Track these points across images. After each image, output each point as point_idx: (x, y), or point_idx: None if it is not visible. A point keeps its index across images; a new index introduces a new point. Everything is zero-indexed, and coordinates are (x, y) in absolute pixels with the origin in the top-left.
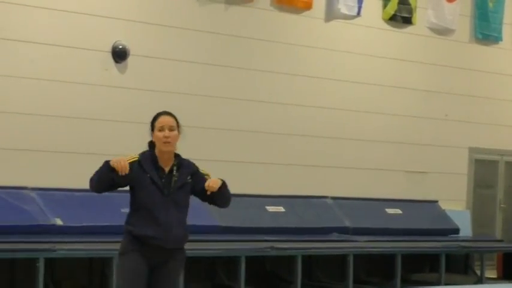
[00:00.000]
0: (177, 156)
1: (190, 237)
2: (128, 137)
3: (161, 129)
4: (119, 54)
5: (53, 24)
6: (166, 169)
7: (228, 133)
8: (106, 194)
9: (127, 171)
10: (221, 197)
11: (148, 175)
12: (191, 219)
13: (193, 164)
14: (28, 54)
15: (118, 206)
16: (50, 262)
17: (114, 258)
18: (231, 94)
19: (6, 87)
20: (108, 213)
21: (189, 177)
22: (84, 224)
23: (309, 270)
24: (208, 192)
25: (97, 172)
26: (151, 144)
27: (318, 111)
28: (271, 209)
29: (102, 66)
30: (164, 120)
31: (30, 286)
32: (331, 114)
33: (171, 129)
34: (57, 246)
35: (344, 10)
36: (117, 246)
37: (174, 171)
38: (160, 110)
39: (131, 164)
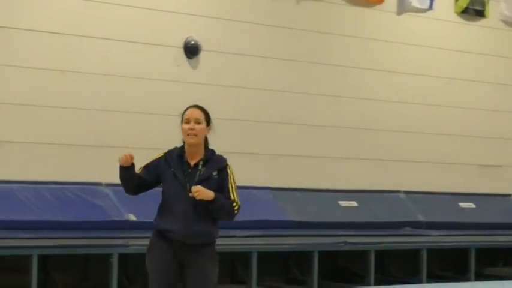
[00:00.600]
0: (209, 151)
1: (264, 232)
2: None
3: (187, 122)
4: (191, 50)
5: (126, 21)
6: (193, 163)
7: (300, 128)
8: None
9: (128, 163)
10: (215, 209)
11: (172, 169)
12: (264, 215)
13: (225, 160)
14: (103, 50)
15: None
16: (123, 258)
17: None
18: (303, 89)
19: (82, 84)
20: None
21: (215, 172)
22: None
23: (382, 265)
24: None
25: (119, 178)
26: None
27: (390, 106)
28: (343, 203)
29: (174, 62)
30: (191, 112)
31: (103, 282)
32: (403, 109)
33: (197, 121)
34: (131, 241)
35: (416, 3)
36: None
37: (200, 165)
38: (235, 105)
39: (157, 160)
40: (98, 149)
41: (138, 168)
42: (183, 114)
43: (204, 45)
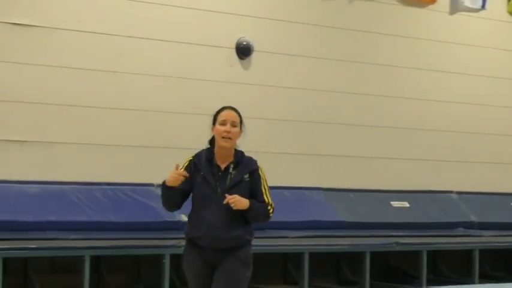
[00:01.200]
0: (238, 153)
1: (316, 233)
2: (254, 133)
3: (223, 123)
4: (243, 51)
5: (178, 22)
6: (223, 166)
7: (352, 128)
8: None
9: (179, 182)
10: (251, 217)
11: (201, 173)
12: (316, 215)
13: (256, 163)
14: (154, 52)
15: None
16: (175, 258)
17: None
18: (355, 89)
19: (134, 85)
20: None
21: (246, 176)
22: None
23: (434, 265)
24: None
25: (161, 196)
26: (212, 141)
27: (441, 106)
28: (395, 204)
29: (226, 63)
30: (228, 114)
31: (155, 283)
32: (455, 108)
33: (233, 124)
34: (183, 242)
35: (468, 3)
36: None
37: (231, 168)
38: (287, 106)
39: (187, 167)
40: (150, 150)
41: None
42: (216, 115)
43: (256, 46)
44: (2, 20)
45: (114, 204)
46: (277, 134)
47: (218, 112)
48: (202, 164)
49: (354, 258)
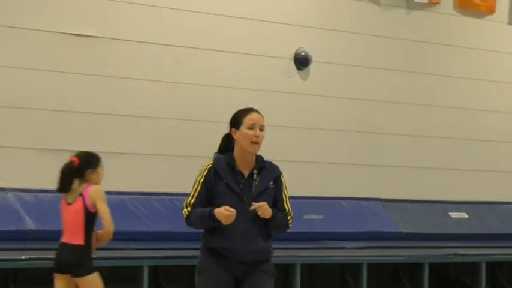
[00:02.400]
0: (259, 158)
1: (374, 244)
2: (311, 143)
3: (252, 127)
4: (301, 61)
5: (236, 33)
6: (246, 173)
7: (410, 139)
8: (290, 200)
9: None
10: (272, 226)
11: (224, 181)
12: (373, 226)
13: (278, 168)
14: (212, 62)
15: (301, 212)
16: None
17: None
18: (413, 99)
19: (192, 96)
20: (293, 220)
21: (271, 182)
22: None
23: (493, 277)
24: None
25: (198, 218)
26: (226, 144)
27: (502, 117)
28: (454, 215)
29: (284, 73)
30: (257, 117)
31: None
32: None
33: (261, 128)
34: None
35: None
36: (301, 252)
37: (255, 175)
38: (345, 116)
39: (206, 176)
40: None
41: (194, 190)
42: (241, 118)
43: (314, 56)
44: (61, 31)
45: (172, 214)
46: (335, 144)
47: (242, 114)
48: (223, 171)
49: (412, 269)
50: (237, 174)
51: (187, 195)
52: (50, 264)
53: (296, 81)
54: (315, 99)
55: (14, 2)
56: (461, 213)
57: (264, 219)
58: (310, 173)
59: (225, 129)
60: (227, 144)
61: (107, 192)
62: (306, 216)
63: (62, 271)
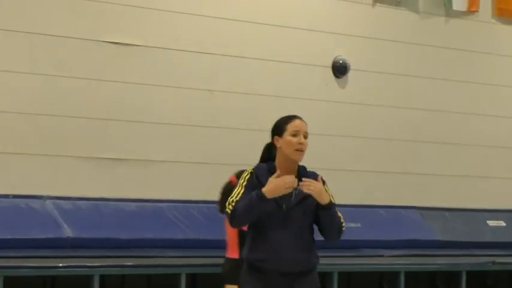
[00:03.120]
0: (301, 168)
1: (412, 252)
2: (349, 151)
3: (296, 134)
4: (340, 69)
5: (274, 40)
6: None
7: (447, 147)
8: None
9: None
10: (327, 220)
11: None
12: (411, 234)
13: (321, 178)
14: (251, 70)
15: None
16: None
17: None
18: (451, 107)
19: (231, 103)
20: None
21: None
22: None
23: None
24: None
25: (246, 205)
26: (268, 154)
27: None
28: (492, 223)
29: (323, 82)
30: (301, 125)
31: None
32: None
33: (305, 136)
34: None
35: None
36: (333, 260)
37: (296, 184)
38: (384, 125)
39: (249, 180)
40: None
41: (236, 192)
42: (283, 125)
43: (352, 65)
44: (101, 39)
45: (210, 222)
46: (372, 153)
47: (286, 122)
48: (264, 178)
49: (450, 277)
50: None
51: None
52: (88, 271)
53: (334, 89)
54: (353, 107)
55: (55, 11)
56: (499, 221)
57: (307, 224)
58: (348, 181)
59: (264, 137)
60: (269, 154)
61: (146, 200)
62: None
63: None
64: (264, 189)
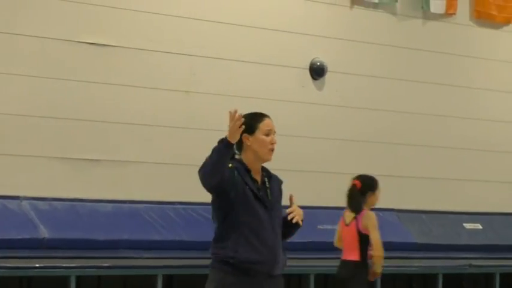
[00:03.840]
0: (262, 166)
1: (389, 254)
2: (327, 153)
3: (268, 133)
4: (317, 71)
5: (251, 42)
6: (259, 180)
7: (425, 149)
8: (304, 210)
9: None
10: (292, 230)
11: (247, 186)
12: (388, 236)
13: (278, 177)
14: (227, 71)
15: (315, 222)
16: None
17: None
18: (428, 110)
19: (207, 104)
20: (306, 230)
21: (280, 190)
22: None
23: None
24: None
25: (213, 158)
26: (239, 150)
27: None
28: (468, 226)
29: (299, 83)
30: (271, 123)
31: None
32: None
33: (275, 134)
34: None
35: None
36: (314, 262)
37: (267, 182)
38: (360, 127)
39: (233, 168)
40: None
41: None
42: (254, 123)
43: (329, 66)
44: (76, 40)
45: (186, 223)
46: (349, 155)
47: (257, 120)
48: (245, 177)
49: (426, 279)
50: (254, 182)
51: (201, 204)
52: (64, 272)
53: (311, 91)
54: (330, 109)
55: (32, 12)
56: (475, 224)
57: (288, 226)
58: (324, 183)
59: None
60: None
61: (122, 201)
62: (319, 226)
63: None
64: (226, 135)
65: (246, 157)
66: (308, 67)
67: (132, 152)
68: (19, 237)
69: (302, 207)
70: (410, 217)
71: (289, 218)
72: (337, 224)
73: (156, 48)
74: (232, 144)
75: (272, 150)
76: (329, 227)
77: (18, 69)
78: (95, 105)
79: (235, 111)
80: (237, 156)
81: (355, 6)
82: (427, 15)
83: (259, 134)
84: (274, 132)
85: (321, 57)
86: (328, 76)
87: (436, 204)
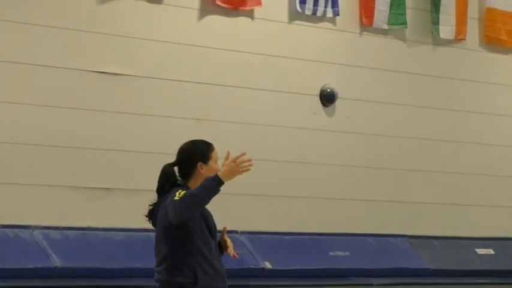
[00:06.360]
0: None
1: (401, 280)
2: (337, 179)
3: (217, 161)
4: (327, 98)
5: (261, 69)
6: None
7: (436, 175)
8: (315, 237)
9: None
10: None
11: (201, 215)
12: (400, 262)
13: None
14: (239, 99)
15: (327, 249)
16: None
17: None
18: (439, 136)
19: (218, 132)
20: (318, 256)
21: None
22: (294, 268)
23: None
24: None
25: (201, 196)
26: (174, 178)
27: None
28: (480, 251)
29: (310, 110)
30: (217, 152)
31: None
32: None
33: None
34: None
35: None
36: None
37: (206, 211)
38: (371, 153)
39: None
40: (235, 197)
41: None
42: (207, 152)
43: (340, 93)
44: (88, 69)
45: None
46: (361, 181)
47: (208, 149)
48: None
49: None
50: (205, 209)
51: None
52: None
53: (322, 118)
54: (340, 136)
55: (42, 41)
56: (488, 250)
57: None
58: (336, 210)
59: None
60: (174, 178)
61: (134, 230)
62: (331, 253)
63: None
64: (219, 174)
65: (195, 184)
66: (318, 94)
67: (144, 181)
68: (31, 266)
69: (314, 234)
70: (422, 243)
71: (231, 254)
72: None
73: (168, 76)
74: (223, 184)
75: None
76: (341, 253)
77: (32, 99)
78: (107, 134)
79: (243, 154)
80: (180, 183)
81: (365, 32)
82: (436, 41)
83: (212, 163)
84: None
85: (331, 84)
86: (338, 103)
87: (448, 229)
